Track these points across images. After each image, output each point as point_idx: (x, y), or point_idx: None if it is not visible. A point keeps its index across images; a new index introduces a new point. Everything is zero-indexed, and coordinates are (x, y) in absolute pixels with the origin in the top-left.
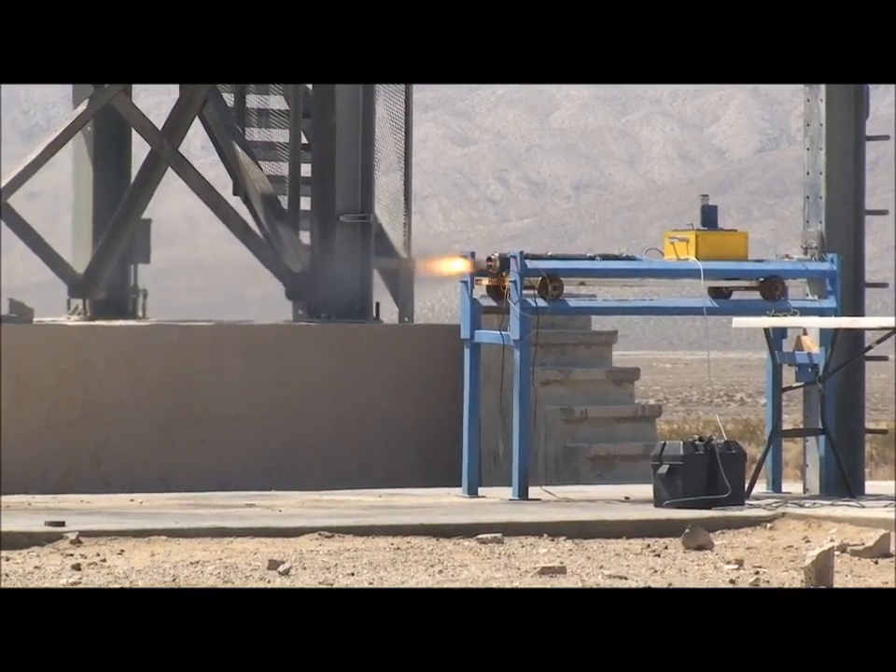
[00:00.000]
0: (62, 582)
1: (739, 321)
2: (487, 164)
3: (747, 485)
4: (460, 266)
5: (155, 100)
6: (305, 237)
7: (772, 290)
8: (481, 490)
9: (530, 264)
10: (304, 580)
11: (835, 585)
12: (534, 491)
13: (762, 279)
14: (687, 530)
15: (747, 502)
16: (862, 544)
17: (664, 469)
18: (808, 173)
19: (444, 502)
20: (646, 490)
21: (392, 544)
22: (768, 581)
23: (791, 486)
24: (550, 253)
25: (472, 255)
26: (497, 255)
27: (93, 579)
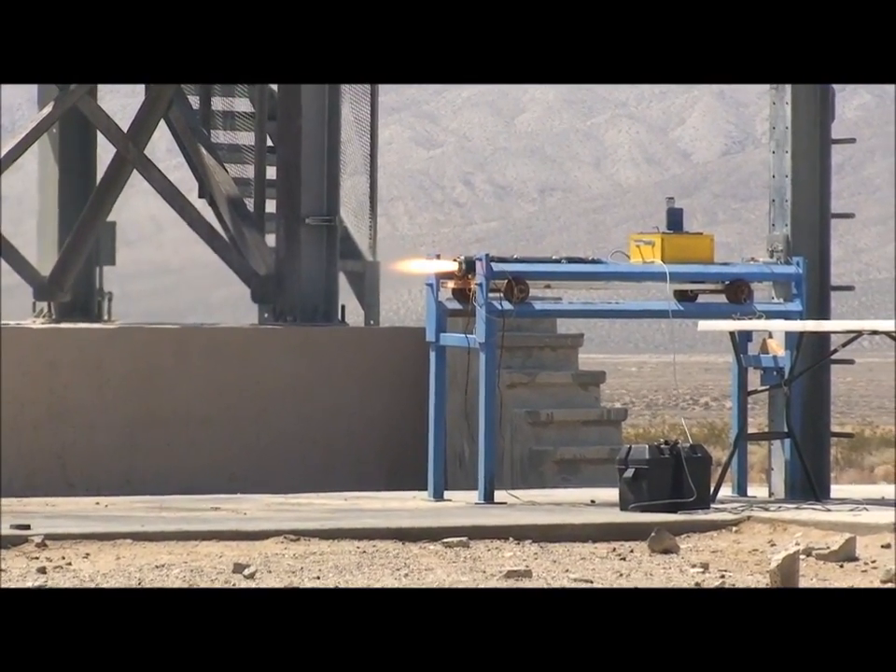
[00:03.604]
0: (27, 586)
1: (705, 324)
2: (453, 167)
3: (712, 489)
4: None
5: (121, 102)
6: (271, 240)
7: (738, 293)
8: (446, 493)
9: (496, 267)
10: (270, 583)
11: None
12: (500, 494)
13: (727, 282)
14: (653, 534)
15: (712, 506)
16: (828, 548)
17: (629, 472)
18: (774, 176)
19: (410, 505)
20: (612, 494)
21: (358, 548)
22: (734, 585)
23: (757, 490)
24: (515, 256)
25: (437, 257)
26: (462, 257)
27: (59, 582)
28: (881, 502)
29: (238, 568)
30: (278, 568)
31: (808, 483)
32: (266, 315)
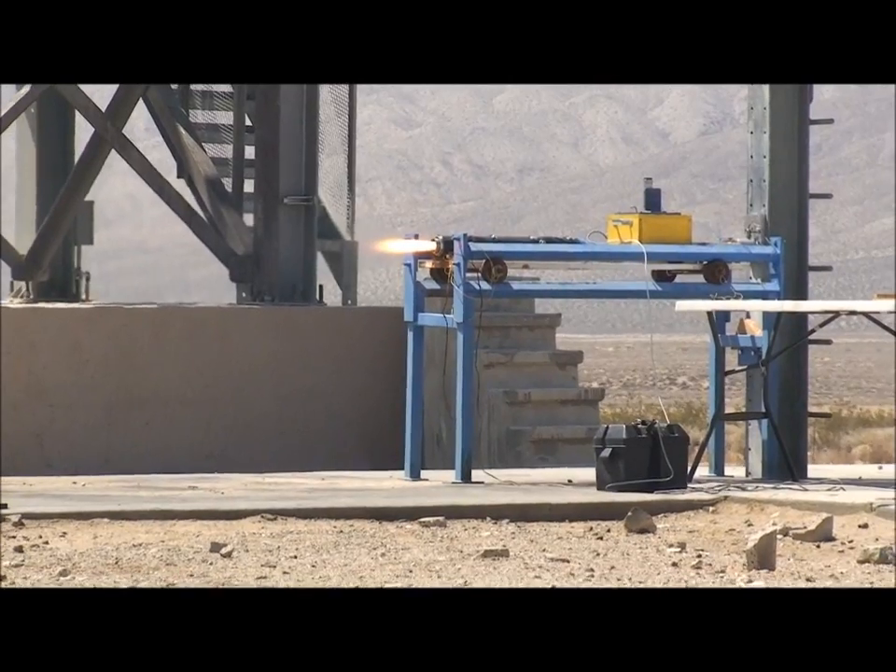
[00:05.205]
0: (4, 564)
1: (682, 304)
2: (431, 147)
3: (689, 469)
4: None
5: None
6: (249, 219)
7: (715, 274)
8: (423, 473)
9: (474, 247)
10: (247, 562)
11: (777, 569)
12: (477, 474)
13: (705, 262)
14: (629, 513)
15: (689, 486)
16: (805, 528)
17: (606, 452)
18: (752, 156)
19: (387, 485)
20: (589, 473)
21: (335, 527)
22: (710, 565)
23: (734, 470)
24: (493, 236)
25: (416, 237)
26: (440, 237)
27: (35, 561)
28: (858, 482)
29: (215, 548)
30: (255, 548)
31: (785, 463)
32: (244, 295)
